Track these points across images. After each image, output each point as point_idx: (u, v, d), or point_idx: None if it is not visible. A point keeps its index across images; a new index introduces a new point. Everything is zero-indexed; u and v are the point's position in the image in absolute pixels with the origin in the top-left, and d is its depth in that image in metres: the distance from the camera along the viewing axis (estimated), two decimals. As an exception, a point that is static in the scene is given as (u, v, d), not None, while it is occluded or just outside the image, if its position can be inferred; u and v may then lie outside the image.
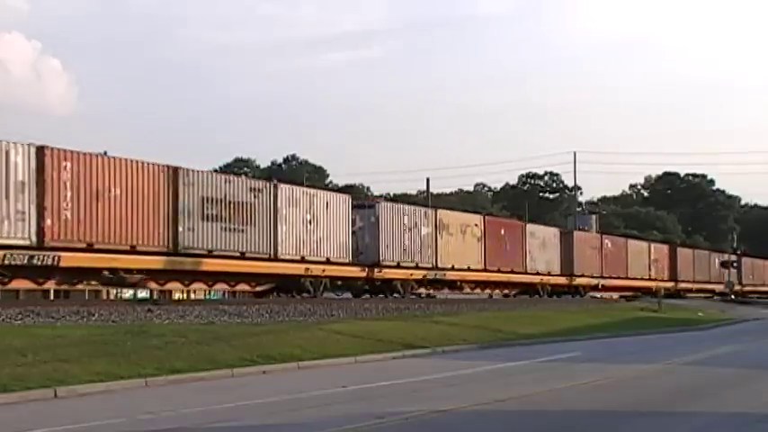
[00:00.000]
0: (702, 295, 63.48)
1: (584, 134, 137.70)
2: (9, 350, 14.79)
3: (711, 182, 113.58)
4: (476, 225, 40.44)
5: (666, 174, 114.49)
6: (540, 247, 45.57)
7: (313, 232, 30.62)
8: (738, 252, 75.03)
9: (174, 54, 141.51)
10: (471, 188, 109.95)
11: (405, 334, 22.40)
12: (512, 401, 13.03)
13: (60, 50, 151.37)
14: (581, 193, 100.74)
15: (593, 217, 74.07)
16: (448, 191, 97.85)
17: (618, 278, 53.61)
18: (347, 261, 32.31)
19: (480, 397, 13.09)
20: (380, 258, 33.80)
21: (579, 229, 58.62)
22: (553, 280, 46.98)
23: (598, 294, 52.01)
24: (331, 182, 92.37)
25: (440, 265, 37.13)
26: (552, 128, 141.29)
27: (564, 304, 41.86)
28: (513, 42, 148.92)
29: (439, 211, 38.75)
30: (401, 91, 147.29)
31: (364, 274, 33.51)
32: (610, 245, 53.56)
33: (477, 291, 41.65)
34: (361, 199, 43.24)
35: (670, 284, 58.37)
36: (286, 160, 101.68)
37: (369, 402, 12.85)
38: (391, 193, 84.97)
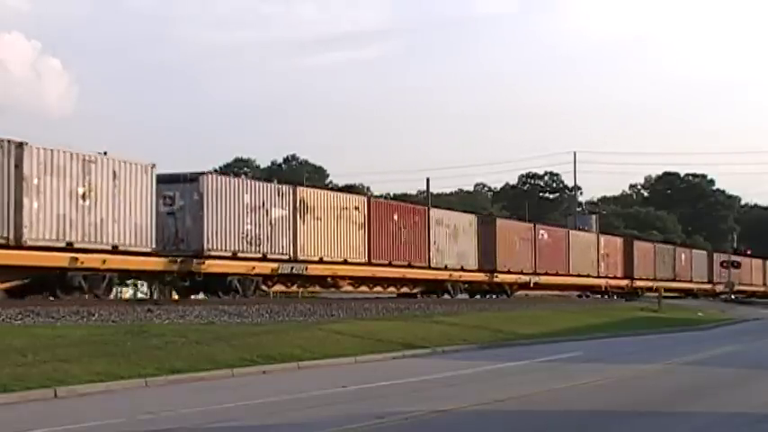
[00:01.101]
0: (671, 294, 56.84)
1: (584, 134, 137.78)
2: (9, 350, 14.78)
3: (711, 182, 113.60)
4: (356, 208, 32.93)
5: (666, 174, 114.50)
6: (451, 238, 38.38)
7: (89, 211, 23.38)
8: (737, 251, 74.95)
9: (174, 54, 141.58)
10: (471, 188, 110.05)
11: (405, 334, 22.41)
12: (512, 401, 13.03)
13: (60, 50, 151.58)
14: (581, 193, 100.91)
15: (593, 217, 74.09)
16: (448, 191, 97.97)
17: (556, 275, 46.63)
18: (147, 249, 24.96)
19: (480, 397, 13.09)
20: (205, 247, 26.51)
21: (579, 230, 57.96)
22: (467, 276, 39.63)
23: (531, 294, 45.47)
24: (331, 182, 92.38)
25: (301, 257, 29.79)
26: (552, 128, 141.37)
27: (564, 304, 41.84)
28: (513, 42, 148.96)
29: (300, 190, 30.82)
30: (401, 91, 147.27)
31: (175, 267, 26.07)
32: (546, 236, 46.36)
33: (365, 288, 34.62)
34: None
35: (623, 282, 54.23)
36: (286, 160, 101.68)
37: (369, 402, 12.85)
38: (391, 193, 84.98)
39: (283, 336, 19.71)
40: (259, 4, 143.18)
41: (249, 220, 27.92)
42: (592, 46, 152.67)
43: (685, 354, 22.04)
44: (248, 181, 29.84)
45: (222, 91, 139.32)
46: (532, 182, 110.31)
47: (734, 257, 70.93)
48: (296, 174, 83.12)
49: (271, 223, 28.77)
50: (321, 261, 31.01)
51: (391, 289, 35.92)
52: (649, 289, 56.09)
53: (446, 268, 38.11)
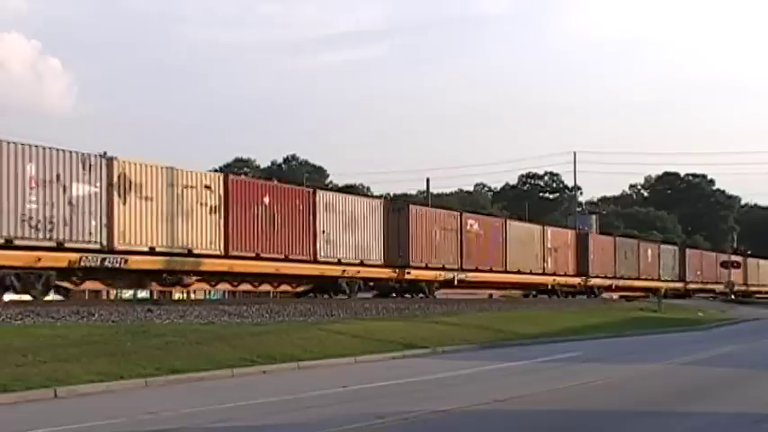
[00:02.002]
0: (635, 294, 53.56)
1: (584, 134, 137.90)
2: (9, 350, 14.78)
3: (711, 182, 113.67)
4: (207, 187, 26.66)
5: (666, 174, 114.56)
6: (346, 226, 31.99)
7: None
8: (739, 251, 74.73)
9: (174, 54, 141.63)
10: (471, 188, 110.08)
11: (405, 334, 22.40)
12: (512, 401, 13.03)
13: (60, 50, 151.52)
14: (581, 193, 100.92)
15: (593, 217, 74.21)
16: (448, 191, 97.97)
17: (490, 271, 39.99)
18: None
19: (481, 397, 13.09)
20: None
21: (580, 230, 57.58)
22: (369, 272, 33.21)
23: (457, 294, 38.70)
24: (331, 182, 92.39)
25: (119, 247, 23.85)
26: (552, 128, 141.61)
27: (564, 304, 41.79)
28: (513, 42, 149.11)
29: (120, 162, 24.14)
30: (401, 91, 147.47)
31: None
32: (476, 227, 39.58)
33: (226, 286, 29.23)
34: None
35: (575, 280, 47.89)
36: (286, 160, 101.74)
37: (369, 402, 12.84)
38: (391, 193, 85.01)
39: (283, 336, 19.71)
40: (259, 4, 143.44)
41: (34, 198, 21.95)
42: (592, 46, 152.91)
43: (685, 354, 22.04)
44: (33, 146, 22.13)
45: (222, 91, 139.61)
46: (532, 182, 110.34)
47: (734, 257, 70.67)
48: (296, 174, 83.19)
49: (71, 203, 22.80)
50: (152, 252, 24.78)
51: (266, 287, 29.82)
52: (608, 288, 51.50)
53: (339, 263, 31.37)
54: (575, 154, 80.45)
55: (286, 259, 29.25)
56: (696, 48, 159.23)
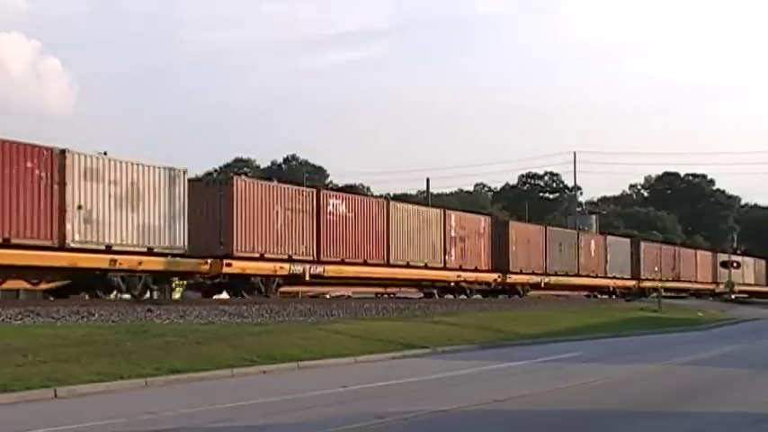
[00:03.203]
0: (574, 294, 48.75)
1: (584, 134, 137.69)
2: (9, 350, 14.79)
3: (711, 182, 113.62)
4: None
5: (666, 174, 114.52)
6: (123, 204, 24.35)
7: None
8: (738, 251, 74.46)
9: (174, 54, 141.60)
10: (471, 188, 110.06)
11: (405, 334, 22.40)
12: (512, 401, 13.02)
13: (60, 50, 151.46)
14: (581, 193, 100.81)
15: (594, 217, 74.10)
16: (448, 191, 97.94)
17: (363, 264, 32.59)
18: None
19: (481, 397, 13.08)
20: None
21: (580, 230, 57.30)
22: (156, 263, 25.30)
23: (312, 291, 33.41)
24: (331, 182, 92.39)
25: None
26: (552, 128, 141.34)
27: (565, 305, 41.77)
28: (513, 42, 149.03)
29: None
30: (401, 91, 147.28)
31: None
32: (342, 208, 32.03)
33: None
34: None
35: (491, 277, 40.75)
36: (286, 160, 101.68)
37: (369, 402, 12.84)
38: (391, 193, 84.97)
39: (283, 336, 19.71)
40: (260, 4, 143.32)
41: None
42: (592, 46, 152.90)
43: (685, 354, 22.04)
44: None
45: (222, 91, 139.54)
46: (532, 182, 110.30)
47: (734, 257, 70.51)
48: (296, 174, 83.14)
49: None
50: None
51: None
52: (536, 286, 44.53)
53: (108, 250, 23.97)
54: (575, 154, 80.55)
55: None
56: (696, 48, 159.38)
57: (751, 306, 57.29)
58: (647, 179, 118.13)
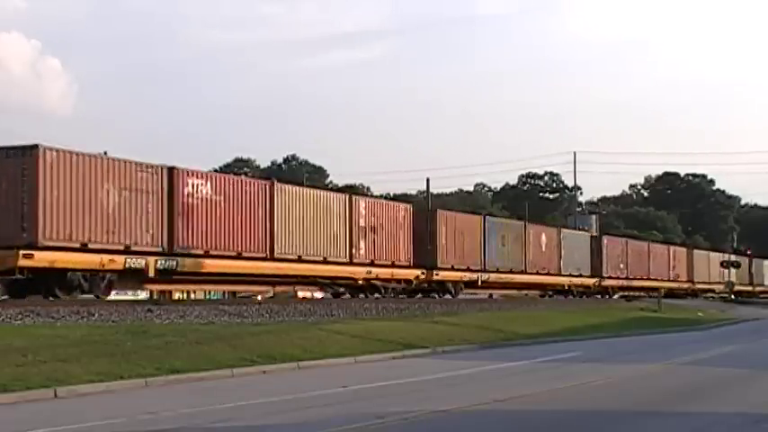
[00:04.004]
0: (522, 293, 44.22)
1: (584, 134, 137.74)
2: (9, 350, 14.78)
3: (711, 182, 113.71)
4: None
5: (666, 174, 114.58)
6: None
7: None
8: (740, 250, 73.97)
9: (174, 54, 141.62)
10: (471, 188, 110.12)
11: (405, 334, 22.40)
12: (512, 401, 13.02)
13: (60, 50, 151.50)
14: (581, 193, 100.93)
15: (594, 217, 74.01)
16: (448, 191, 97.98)
17: (237, 258, 27.54)
18: None
19: (481, 397, 13.08)
20: None
21: (580, 230, 57.02)
22: None
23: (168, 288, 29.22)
24: (331, 182, 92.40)
25: None
26: (552, 128, 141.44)
27: (565, 305, 41.74)
28: (513, 42, 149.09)
29: None
30: (401, 91, 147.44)
31: None
32: (206, 190, 26.45)
33: None
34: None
35: (412, 273, 35.41)
36: (286, 160, 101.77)
37: (369, 402, 12.84)
38: (391, 193, 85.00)
39: (283, 336, 19.70)
40: (260, 5, 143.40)
41: None
42: (592, 46, 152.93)
43: (685, 354, 22.04)
44: None
45: (222, 91, 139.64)
46: (532, 182, 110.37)
47: (734, 257, 70.28)
48: (296, 174, 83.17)
49: None
50: None
51: None
52: (471, 284, 39.18)
53: None
54: (575, 154, 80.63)
55: None
56: (696, 48, 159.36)
57: (751, 306, 57.28)
58: (647, 179, 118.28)
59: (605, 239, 53.22)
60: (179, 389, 14.05)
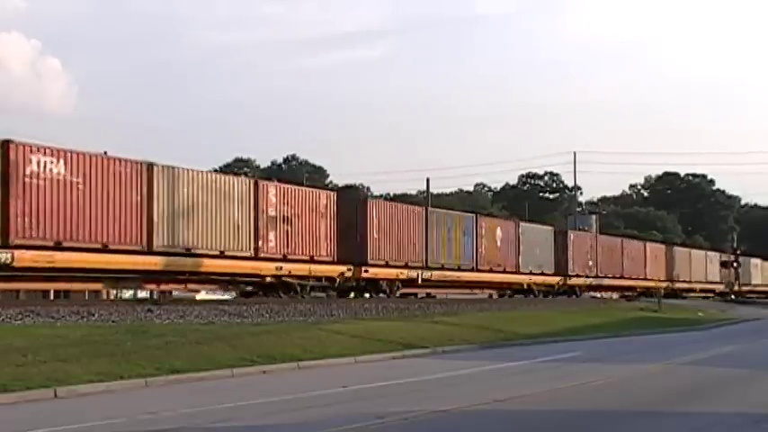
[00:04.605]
0: (463, 292, 40.08)
1: (584, 134, 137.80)
2: (9, 350, 14.78)
3: (711, 182, 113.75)
4: None
5: (666, 174, 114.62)
6: None
7: None
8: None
9: (174, 54, 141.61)
10: (471, 188, 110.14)
11: (405, 334, 22.40)
12: (512, 401, 13.03)
13: (60, 50, 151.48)
14: (581, 193, 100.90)
15: (593, 217, 73.90)
16: (448, 191, 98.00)
17: (104, 251, 23.54)
18: None
19: (480, 397, 13.08)
20: None
21: (580, 230, 56.78)
22: None
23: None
24: (331, 182, 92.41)
25: None
26: (552, 128, 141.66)
27: (565, 305, 41.72)
28: (514, 42, 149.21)
29: None
30: (401, 91, 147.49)
31: None
32: (59, 170, 22.57)
33: None
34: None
35: (335, 269, 31.23)
36: (286, 160, 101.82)
37: (369, 402, 12.84)
38: (391, 193, 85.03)
39: (283, 336, 19.71)
40: (260, 5, 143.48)
41: None
42: (592, 46, 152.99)
43: (685, 354, 22.04)
44: None
45: (222, 91, 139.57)
46: (532, 182, 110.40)
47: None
48: (296, 174, 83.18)
49: None
50: None
51: None
52: (409, 282, 35.19)
53: None
54: (575, 154, 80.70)
55: None
56: (696, 48, 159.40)
57: (751, 306, 57.29)
58: (647, 179, 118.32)
59: (572, 234, 49.32)
60: (179, 389, 14.05)
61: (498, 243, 41.17)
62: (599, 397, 13.89)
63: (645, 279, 54.92)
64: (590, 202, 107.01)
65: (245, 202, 27.84)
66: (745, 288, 71.53)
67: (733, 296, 63.35)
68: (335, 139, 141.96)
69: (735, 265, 67.54)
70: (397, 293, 34.80)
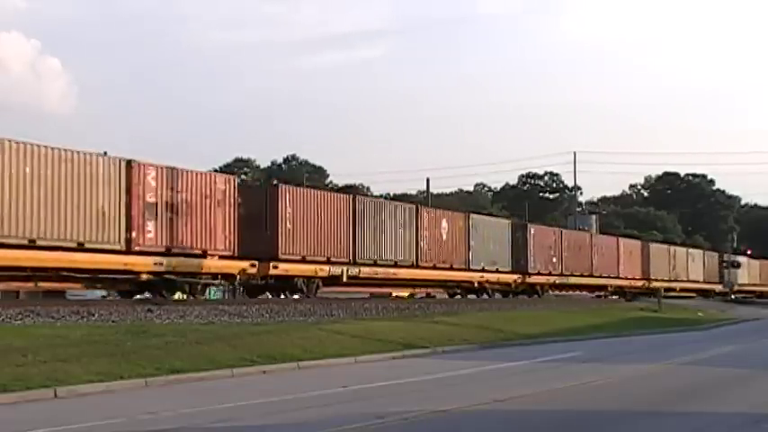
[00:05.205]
0: (398, 290, 37.20)
1: (584, 134, 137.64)
2: (9, 350, 14.78)
3: (711, 182, 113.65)
4: None
5: (666, 174, 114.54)
6: None
7: None
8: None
9: (174, 54, 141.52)
10: (471, 188, 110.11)
11: (405, 334, 22.40)
12: (512, 401, 13.03)
13: (60, 50, 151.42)
14: (581, 193, 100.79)
15: (593, 217, 73.88)
16: (448, 191, 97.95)
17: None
18: None
19: (480, 397, 13.09)
20: None
21: (579, 229, 56.79)
22: None
23: None
24: (331, 182, 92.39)
25: None
26: (552, 128, 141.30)
27: (565, 305, 41.75)
28: (513, 42, 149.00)
29: None
30: (401, 91, 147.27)
31: None
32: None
33: None
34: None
35: (236, 266, 27.38)
36: (286, 160, 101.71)
37: (369, 402, 12.85)
38: (391, 193, 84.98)
39: (283, 336, 19.71)
40: (260, 5, 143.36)
41: None
42: (592, 46, 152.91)
43: (685, 354, 22.05)
44: None
45: (223, 91, 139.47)
46: (532, 182, 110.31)
47: (734, 257, 69.62)
48: (296, 174, 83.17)
49: None
50: None
51: None
52: (334, 280, 30.98)
53: None
54: (575, 154, 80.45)
55: None
56: (696, 48, 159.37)
57: (751, 306, 57.31)
58: (647, 179, 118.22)
59: (532, 229, 44.87)
60: (179, 389, 14.05)
61: (444, 237, 36.84)
62: (599, 397, 13.90)
63: (618, 278, 51.81)
64: (590, 202, 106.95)
65: (113, 185, 23.37)
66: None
67: (733, 296, 63.27)
68: (335, 139, 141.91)
69: (735, 264, 67.39)
70: (315, 293, 30.39)
